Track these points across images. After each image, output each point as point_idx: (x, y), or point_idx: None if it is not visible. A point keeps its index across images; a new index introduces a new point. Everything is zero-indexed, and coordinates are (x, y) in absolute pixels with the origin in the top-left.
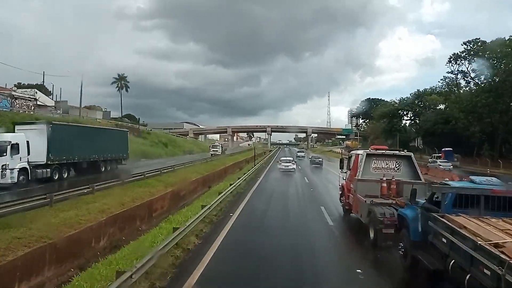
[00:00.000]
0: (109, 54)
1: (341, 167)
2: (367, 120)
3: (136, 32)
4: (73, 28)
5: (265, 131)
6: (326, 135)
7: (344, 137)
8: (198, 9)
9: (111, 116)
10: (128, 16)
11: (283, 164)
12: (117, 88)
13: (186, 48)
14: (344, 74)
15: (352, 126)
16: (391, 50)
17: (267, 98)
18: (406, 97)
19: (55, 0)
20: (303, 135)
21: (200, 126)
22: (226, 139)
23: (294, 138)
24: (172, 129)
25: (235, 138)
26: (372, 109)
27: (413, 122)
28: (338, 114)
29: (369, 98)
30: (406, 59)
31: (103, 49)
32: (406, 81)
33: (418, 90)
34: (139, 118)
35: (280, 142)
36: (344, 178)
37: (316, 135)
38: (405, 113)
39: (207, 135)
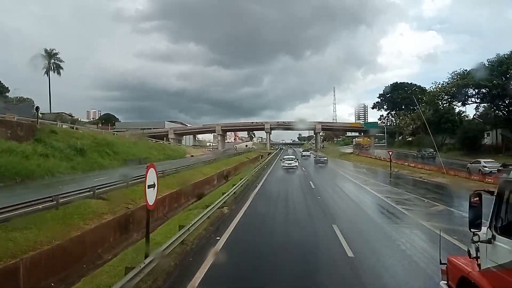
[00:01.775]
0: (109, 57)
1: (474, 224)
2: (393, 112)
3: (135, 34)
4: (71, 32)
5: (263, 129)
6: (334, 133)
7: (358, 134)
8: (198, 9)
9: (43, 112)
10: (127, 19)
11: (286, 162)
12: (44, 70)
13: (186, 49)
14: (346, 72)
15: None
16: (392, 47)
17: (268, 98)
18: (471, 69)
19: (53, 4)
20: (307, 133)
21: (188, 125)
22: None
23: (298, 138)
24: (146, 129)
25: (232, 139)
26: (399, 97)
27: (487, 106)
28: (341, 112)
29: (396, 82)
30: (408, 55)
31: (103, 52)
32: (409, 78)
33: (497, 55)
34: (37, 107)
35: (283, 141)
36: (478, 254)
37: (323, 132)
38: (474, 92)
39: (196, 136)
